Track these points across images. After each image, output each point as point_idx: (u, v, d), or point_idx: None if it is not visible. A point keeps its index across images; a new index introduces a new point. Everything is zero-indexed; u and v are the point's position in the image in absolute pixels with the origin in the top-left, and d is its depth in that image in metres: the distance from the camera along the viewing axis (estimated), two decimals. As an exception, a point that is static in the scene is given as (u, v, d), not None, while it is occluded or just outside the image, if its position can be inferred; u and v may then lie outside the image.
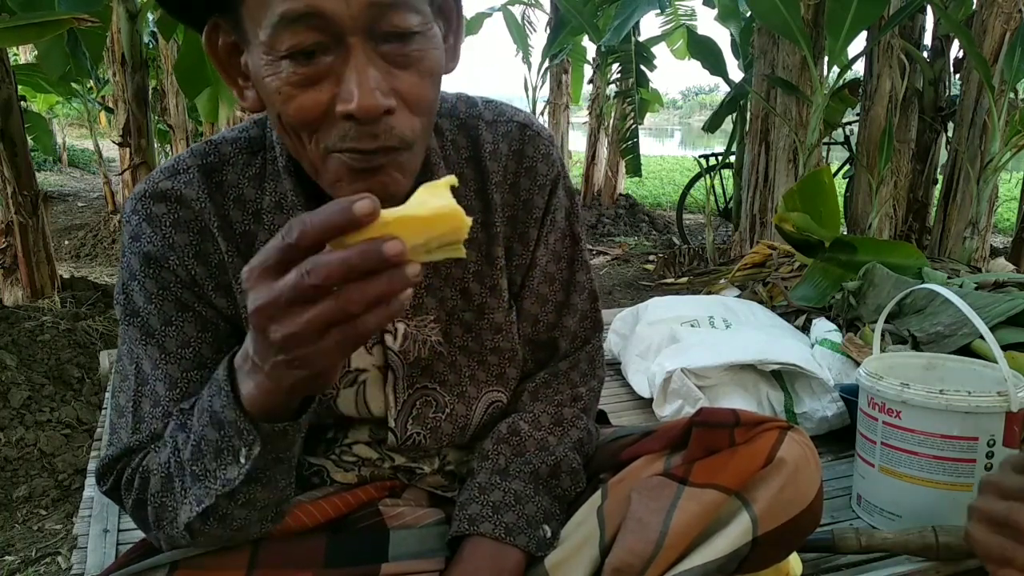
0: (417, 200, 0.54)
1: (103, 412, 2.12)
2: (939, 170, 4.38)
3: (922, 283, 2.08)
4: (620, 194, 7.71)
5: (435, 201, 0.53)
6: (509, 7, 8.38)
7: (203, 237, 0.79)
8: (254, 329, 0.56)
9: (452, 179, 0.55)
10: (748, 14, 4.80)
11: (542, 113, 7.91)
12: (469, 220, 0.54)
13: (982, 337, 1.47)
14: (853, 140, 4.88)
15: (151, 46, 6.47)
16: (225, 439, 0.65)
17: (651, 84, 6.87)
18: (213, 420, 0.66)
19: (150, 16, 4.57)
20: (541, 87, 8.05)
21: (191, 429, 0.69)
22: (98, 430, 2.07)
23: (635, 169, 6.89)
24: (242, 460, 0.65)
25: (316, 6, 0.63)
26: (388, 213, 0.52)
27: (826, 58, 3.82)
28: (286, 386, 0.59)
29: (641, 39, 6.78)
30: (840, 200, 3.80)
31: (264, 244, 0.77)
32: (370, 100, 0.65)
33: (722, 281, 3.16)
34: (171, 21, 3.99)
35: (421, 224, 0.52)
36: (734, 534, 0.79)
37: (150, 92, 4.16)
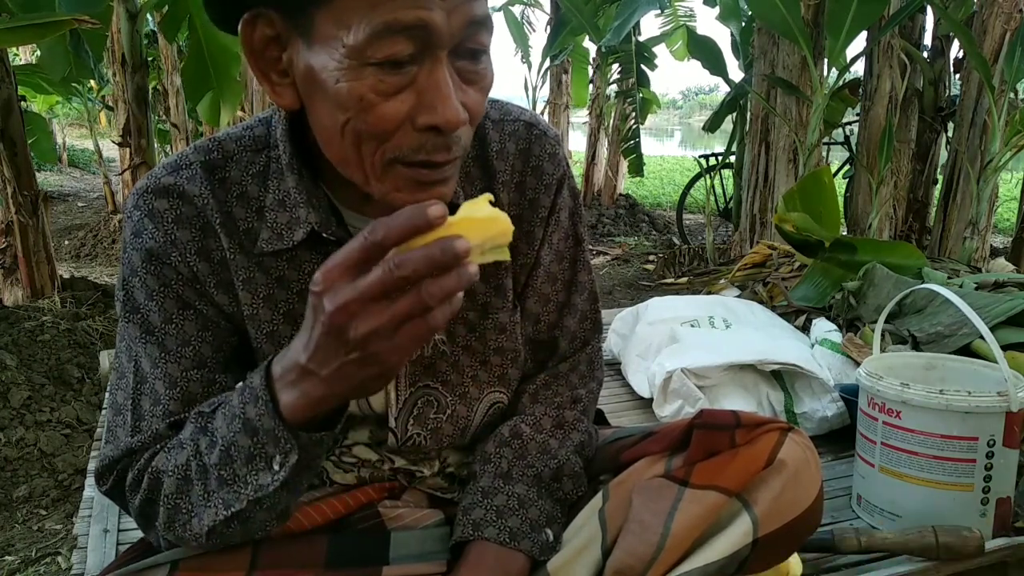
0: (467, 211, 0.59)
1: (103, 412, 2.12)
2: (939, 170, 4.38)
3: (922, 283, 2.08)
4: (620, 194, 7.70)
5: (483, 210, 0.60)
6: (509, 7, 8.39)
7: (205, 234, 0.78)
8: (326, 333, 0.58)
9: (488, 196, 0.60)
10: (749, 14, 4.80)
11: (542, 113, 7.91)
12: (512, 226, 0.60)
13: (982, 337, 1.47)
14: (853, 140, 4.88)
15: (149, 45, 6.46)
16: (258, 446, 0.67)
17: (651, 84, 6.87)
18: (246, 427, 0.67)
19: (150, 16, 4.57)
20: (541, 87, 8.06)
21: (215, 433, 0.70)
22: (98, 430, 2.08)
23: (637, 169, 6.88)
24: (276, 467, 0.67)
25: (425, 19, 0.63)
26: (449, 218, 0.58)
27: (826, 58, 3.82)
28: (342, 390, 0.61)
29: (641, 39, 6.78)
30: (840, 200, 3.80)
31: (267, 241, 0.78)
32: (456, 114, 0.67)
33: (722, 281, 3.16)
34: (174, 21, 3.99)
35: (478, 225, 0.58)
36: (735, 535, 0.79)
37: (150, 92, 4.15)
